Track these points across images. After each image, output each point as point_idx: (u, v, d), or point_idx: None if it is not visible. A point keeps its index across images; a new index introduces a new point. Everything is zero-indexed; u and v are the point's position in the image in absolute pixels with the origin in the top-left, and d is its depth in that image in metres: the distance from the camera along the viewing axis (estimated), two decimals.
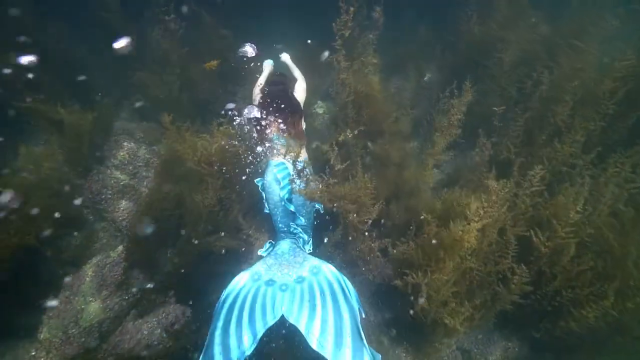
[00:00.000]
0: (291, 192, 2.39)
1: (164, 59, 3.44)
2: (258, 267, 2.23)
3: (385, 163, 3.23)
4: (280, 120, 2.61)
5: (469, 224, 1.91)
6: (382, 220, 2.79)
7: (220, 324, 1.85)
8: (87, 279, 2.82)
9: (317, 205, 2.61)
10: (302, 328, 1.70)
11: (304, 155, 2.65)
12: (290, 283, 2.00)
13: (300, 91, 2.94)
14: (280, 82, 2.84)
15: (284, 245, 2.40)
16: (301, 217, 2.47)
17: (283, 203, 2.46)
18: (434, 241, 2.09)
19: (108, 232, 3.27)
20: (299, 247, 2.44)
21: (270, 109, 2.65)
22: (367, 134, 3.36)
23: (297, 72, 3.19)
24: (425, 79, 4.45)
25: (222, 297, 2.02)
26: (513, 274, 2.23)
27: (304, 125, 2.78)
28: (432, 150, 2.70)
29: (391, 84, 4.46)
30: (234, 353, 1.69)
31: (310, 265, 2.17)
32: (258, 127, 2.63)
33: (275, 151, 2.61)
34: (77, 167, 3.01)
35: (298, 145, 2.51)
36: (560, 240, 2.29)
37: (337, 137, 2.23)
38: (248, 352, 1.68)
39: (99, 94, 2.97)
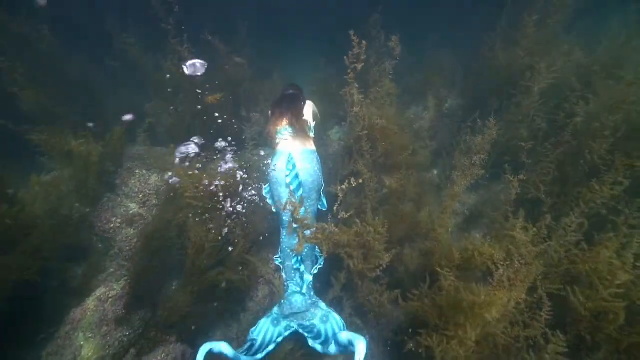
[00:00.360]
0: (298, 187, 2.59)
1: (177, 87, 3.48)
2: (276, 313, 2.56)
3: (401, 198, 3.02)
4: (287, 116, 2.82)
5: (494, 292, 1.66)
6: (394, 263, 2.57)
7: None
8: (89, 313, 2.76)
9: (319, 206, 2.80)
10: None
11: (312, 147, 2.84)
12: (306, 325, 2.43)
13: (311, 107, 3.14)
14: (293, 88, 3.15)
15: (298, 298, 2.56)
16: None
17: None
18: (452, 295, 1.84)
19: (115, 261, 3.24)
20: (310, 298, 2.58)
21: (281, 107, 2.90)
22: (382, 167, 3.18)
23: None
24: (447, 105, 4.23)
25: (250, 342, 2.40)
26: (547, 342, 1.93)
27: (312, 124, 2.94)
28: (451, 191, 2.46)
29: (410, 112, 4.28)
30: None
31: (321, 315, 2.48)
32: (270, 124, 2.88)
33: (282, 141, 2.79)
34: (87, 196, 3.02)
35: (302, 135, 2.75)
36: (604, 303, 1.96)
37: (345, 183, 2.05)
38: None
39: (91, 124, 2.97)
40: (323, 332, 2.35)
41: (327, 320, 2.42)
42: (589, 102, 2.80)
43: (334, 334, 2.27)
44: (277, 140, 2.80)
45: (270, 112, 2.98)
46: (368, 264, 2.23)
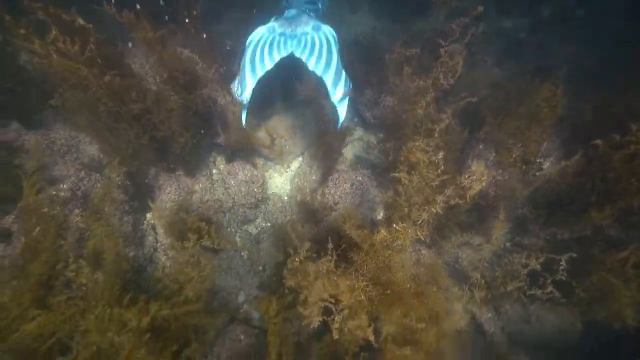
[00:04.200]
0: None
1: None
2: (272, 23, 2.74)
3: None
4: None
5: None
6: None
7: (247, 58, 2.57)
8: None
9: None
10: (303, 58, 2.49)
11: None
12: (297, 34, 2.62)
13: None
14: None
15: (292, 11, 2.87)
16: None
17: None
18: None
19: None
20: (306, 13, 2.87)
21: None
22: None
23: None
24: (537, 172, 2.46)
25: (247, 42, 2.64)
26: None
27: None
28: None
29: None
30: (262, 69, 2.50)
31: (313, 24, 2.70)
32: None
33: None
34: None
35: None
36: None
37: None
38: (268, 69, 2.48)
39: None
40: (317, 39, 2.59)
41: (318, 29, 2.65)
42: None
43: (327, 39, 2.59)
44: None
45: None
46: None
